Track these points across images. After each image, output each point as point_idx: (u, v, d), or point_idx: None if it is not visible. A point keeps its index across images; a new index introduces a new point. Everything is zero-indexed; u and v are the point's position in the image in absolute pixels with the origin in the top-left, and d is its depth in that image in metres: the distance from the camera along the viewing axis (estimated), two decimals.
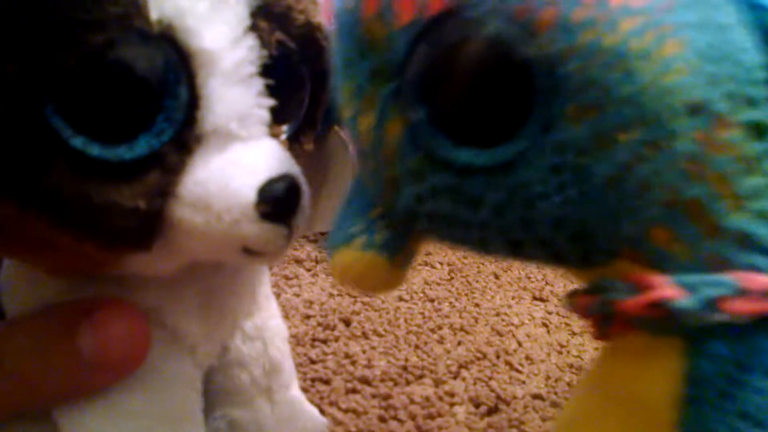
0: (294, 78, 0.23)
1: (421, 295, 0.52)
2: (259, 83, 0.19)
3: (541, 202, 0.15)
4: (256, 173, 0.19)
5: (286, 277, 0.53)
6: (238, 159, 0.19)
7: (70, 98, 0.16)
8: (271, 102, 0.20)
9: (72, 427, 0.24)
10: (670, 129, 0.14)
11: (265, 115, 0.20)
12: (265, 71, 0.20)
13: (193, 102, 0.18)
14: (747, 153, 0.15)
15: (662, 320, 0.15)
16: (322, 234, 0.63)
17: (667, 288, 0.15)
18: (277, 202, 0.19)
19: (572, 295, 0.18)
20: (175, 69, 0.18)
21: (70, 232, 0.18)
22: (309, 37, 0.22)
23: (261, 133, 0.20)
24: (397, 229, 0.19)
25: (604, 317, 0.16)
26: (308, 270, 0.55)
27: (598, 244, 0.16)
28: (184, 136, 0.18)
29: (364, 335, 0.44)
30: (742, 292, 0.14)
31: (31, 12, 0.16)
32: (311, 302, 0.49)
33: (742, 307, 0.14)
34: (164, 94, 0.18)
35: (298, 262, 0.56)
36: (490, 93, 0.15)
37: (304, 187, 0.20)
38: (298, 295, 0.50)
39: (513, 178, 0.16)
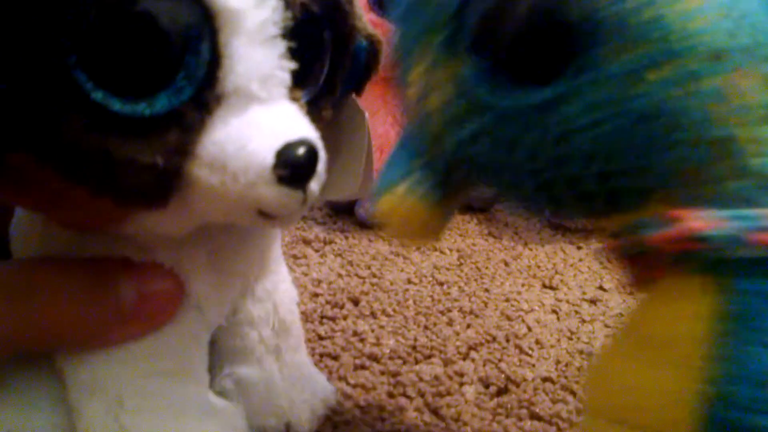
0: (316, 42, 0.22)
1: (431, 278, 0.51)
2: (282, 45, 0.19)
3: (575, 137, 0.17)
4: (275, 136, 0.19)
5: (295, 257, 0.53)
6: (258, 121, 0.19)
7: (92, 51, 0.16)
8: (293, 65, 0.20)
9: (74, 370, 0.24)
10: (694, 70, 0.16)
11: (287, 78, 0.20)
12: (288, 34, 0.19)
13: (214, 61, 0.18)
14: (766, 102, 0.16)
15: (693, 254, 0.16)
16: (331, 215, 0.63)
17: (698, 220, 0.16)
18: (295, 166, 0.19)
19: (608, 239, 0.19)
20: (198, 26, 0.18)
21: (87, 187, 0.18)
22: (333, 2, 0.22)
23: (281, 95, 0.20)
24: (439, 177, 0.20)
25: (638, 260, 0.17)
26: (316, 251, 0.55)
27: (624, 183, 0.17)
28: (205, 95, 0.18)
29: (373, 315, 0.44)
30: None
31: None
32: (320, 281, 0.48)
33: None
34: (186, 51, 0.17)
35: (306, 242, 0.56)
36: (535, 39, 0.17)
37: (322, 153, 0.20)
38: (306, 274, 0.49)
39: (550, 117, 0.17)
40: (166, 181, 0.18)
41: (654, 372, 0.16)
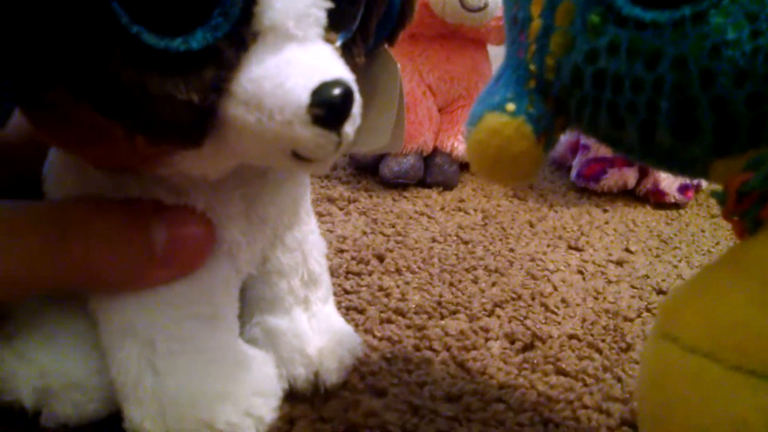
0: None
1: (455, 237, 0.51)
2: None
3: (729, 50, 0.16)
4: (311, 75, 0.18)
5: (320, 214, 0.53)
6: (294, 59, 0.19)
7: None
8: (329, 4, 0.19)
9: (108, 314, 0.24)
10: None
11: (322, 17, 0.20)
12: None
13: None
14: None
15: None
16: (355, 175, 0.63)
17: None
18: (330, 106, 0.19)
19: (728, 180, 0.18)
20: None
21: (123, 123, 0.18)
22: None
23: (317, 35, 0.20)
24: (551, 104, 0.20)
25: (761, 196, 0.17)
26: (341, 209, 0.55)
27: None
28: (241, 32, 0.18)
29: (398, 271, 0.44)
30: None
31: None
32: (344, 238, 0.48)
33: None
34: None
35: (331, 200, 0.56)
36: None
37: (357, 95, 0.20)
38: (331, 231, 0.49)
39: (702, 27, 0.16)
40: (201, 119, 0.19)
41: (762, 309, 0.16)
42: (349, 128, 0.20)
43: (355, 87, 0.20)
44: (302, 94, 0.18)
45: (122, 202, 0.23)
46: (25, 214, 0.22)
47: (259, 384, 0.26)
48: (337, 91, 0.19)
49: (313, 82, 0.18)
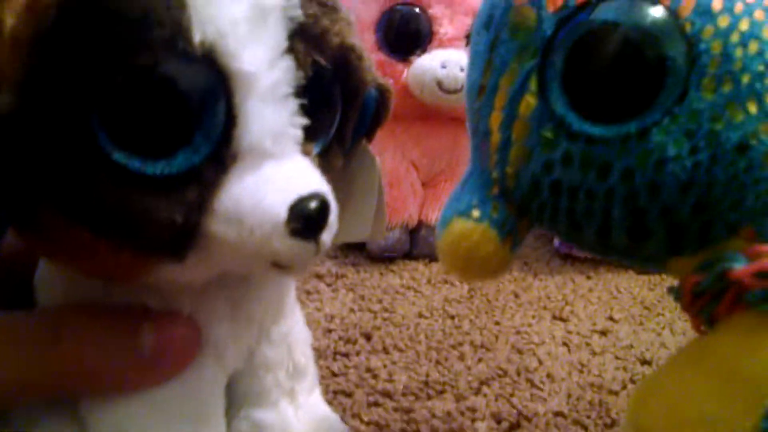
0: (327, 97, 0.23)
1: (442, 312, 0.52)
2: (294, 103, 0.20)
3: (671, 165, 0.17)
4: (288, 191, 0.19)
5: (308, 292, 0.53)
6: (272, 177, 0.20)
7: (114, 114, 0.17)
8: (304, 121, 0.21)
9: (96, 415, 0.24)
10: None
11: (299, 134, 0.21)
12: (300, 91, 0.20)
13: (230, 121, 0.19)
14: None
15: None
16: (343, 249, 0.64)
17: None
18: (307, 219, 0.19)
19: (682, 279, 0.19)
20: (214, 89, 0.18)
21: (110, 241, 0.19)
22: (343, 58, 0.23)
23: (294, 151, 0.21)
24: (513, 209, 0.21)
25: (713, 296, 0.18)
26: (329, 285, 0.56)
27: (720, 215, 0.18)
28: (221, 154, 0.19)
29: (385, 350, 0.44)
30: None
31: (85, 33, 0.17)
32: (332, 316, 0.49)
33: None
34: (203, 113, 0.18)
35: (319, 277, 0.57)
36: (626, 72, 0.18)
37: (333, 205, 0.21)
38: (319, 310, 0.50)
39: (646, 143, 0.17)
40: (185, 236, 0.19)
41: (721, 404, 0.17)
42: (326, 236, 0.21)
43: (331, 197, 0.21)
44: (280, 210, 0.19)
45: (110, 309, 0.24)
46: (19, 323, 0.22)
47: None
48: (313, 205, 0.19)
49: (291, 197, 0.19)
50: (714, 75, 0.17)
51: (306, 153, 0.21)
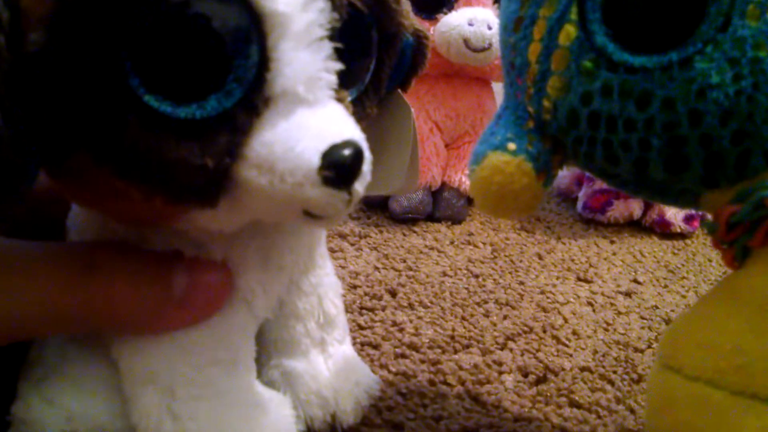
0: (362, 42, 0.23)
1: (465, 271, 0.52)
2: (328, 47, 0.20)
3: (714, 93, 0.17)
4: (321, 138, 0.19)
5: (332, 250, 0.54)
6: (304, 123, 0.19)
7: (146, 56, 0.17)
8: (339, 66, 0.20)
9: (128, 361, 0.25)
10: None
11: (333, 79, 0.20)
12: (335, 34, 0.20)
13: (263, 64, 0.18)
14: None
15: None
16: (365, 210, 0.64)
17: None
18: (340, 167, 0.19)
19: (718, 211, 0.19)
20: (247, 30, 0.18)
21: (141, 186, 0.19)
22: (380, 2, 0.22)
23: (327, 97, 0.20)
24: (548, 142, 0.21)
25: (748, 227, 0.18)
26: (352, 244, 0.56)
27: (759, 143, 0.18)
28: (254, 98, 0.19)
29: (410, 306, 0.45)
30: None
31: None
32: (357, 273, 0.49)
33: None
34: (235, 55, 0.18)
35: (342, 236, 0.57)
36: (668, 1, 0.18)
37: (367, 153, 0.21)
38: (343, 267, 0.50)
39: (688, 72, 0.18)
40: (216, 182, 0.19)
41: (756, 337, 0.17)
42: (359, 186, 0.20)
43: (364, 145, 0.20)
44: (312, 157, 0.19)
45: (141, 249, 0.24)
46: (53, 252, 0.23)
47: (277, 426, 0.26)
48: (346, 152, 0.19)
49: (323, 144, 0.19)
50: (759, 2, 0.17)
51: (340, 99, 0.21)
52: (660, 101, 0.18)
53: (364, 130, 0.22)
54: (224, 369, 0.26)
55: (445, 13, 0.58)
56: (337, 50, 0.20)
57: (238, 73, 0.18)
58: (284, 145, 0.19)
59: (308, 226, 0.29)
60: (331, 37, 0.20)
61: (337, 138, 0.19)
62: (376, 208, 0.64)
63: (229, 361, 0.26)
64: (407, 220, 0.62)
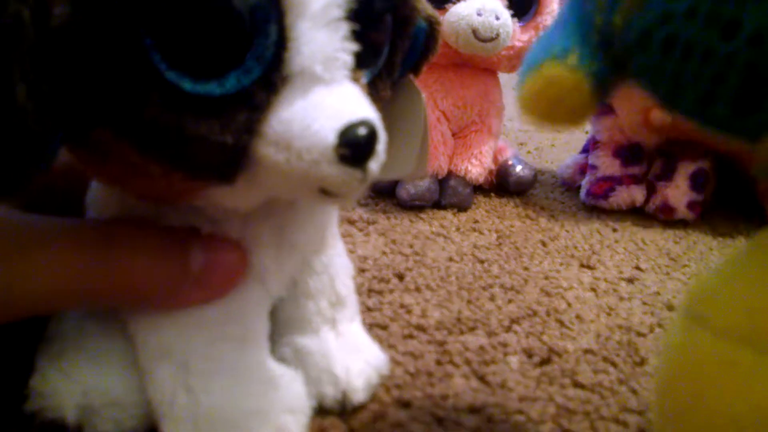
0: (378, 24, 0.23)
1: (471, 257, 0.53)
2: (345, 27, 0.20)
3: None
4: (337, 117, 0.20)
5: (341, 235, 0.54)
6: (321, 101, 0.20)
7: (166, 33, 0.17)
8: (355, 47, 0.21)
9: (144, 335, 0.26)
10: None
11: (349, 60, 0.21)
12: (352, 16, 0.20)
13: (281, 42, 0.19)
14: None
15: None
16: (372, 197, 0.65)
17: None
18: (356, 146, 0.20)
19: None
20: (266, 8, 0.18)
21: (161, 162, 0.19)
22: None
23: (344, 76, 0.21)
24: (611, 60, 0.19)
25: None
26: (360, 230, 0.57)
27: None
28: (272, 76, 0.19)
29: (417, 289, 0.46)
30: None
31: None
32: (365, 257, 0.50)
33: None
34: (255, 33, 0.18)
35: (351, 222, 0.58)
36: None
37: (382, 133, 0.21)
38: (352, 251, 0.51)
39: None
40: (234, 158, 0.20)
41: None
42: (374, 165, 0.21)
43: (379, 125, 0.21)
44: (329, 135, 0.19)
45: (159, 226, 0.25)
46: (73, 227, 0.23)
47: (289, 402, 0.27)
48: (362, 131, 0.20)
49: (340, 123, 0.19)
50: None
51: (356, 80, 0.21)
52: (748, 34, 0.16)
53: (377, 113, 0.22)
54: (238, 345, 0.27)
55: (454, 3, 0.58)
56: (353, 32, 0.20)
57: (257, 51, 0.19)
58: (301, 123, 0.19)
59: (323, 204, 0.30)
60: (348, 18, 0.20)
61: (353, 117, 0.20)
62: (384, 195, 0.65)
63: (243, 336, 0.27)
64: (414, 207, 0.63)
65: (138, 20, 0.17)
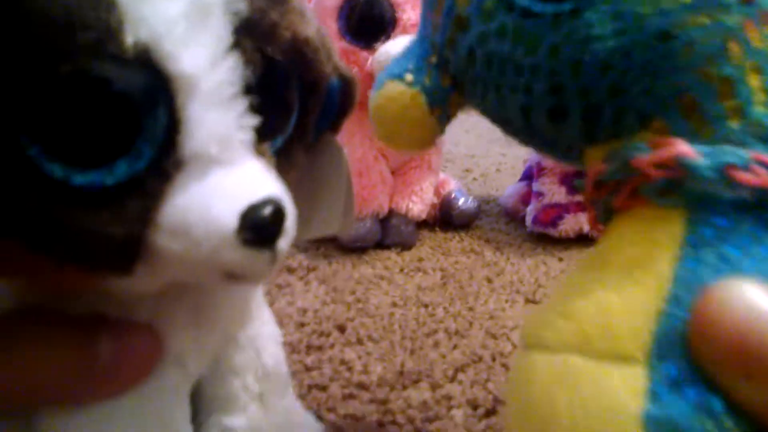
0: (281, 93, 0.22)
1: (415, 300, 0.52)
2: (242, 103, 0.19)
3: (595, 44, 0.18)
4: (238, 198, 0.18)
5: (279, 286, 0.53)
6: (219, 184, 0.19)
7: (45, 126, 0.16)
8: (254, 121, 0.20)
9: (51, 428, 0.23)
10: (723, 2, 0.17)
11: (248, 137, 0.20)
12: (250, 89, 0.19)
13: (172, 126, 0.18)
14: None
15: (673, 183, 0.17)
16: (314, 241, 0.63)
17: (685, 147, 0.17)
18: (260, 227, 0.18)
19: (587, 169, 0.20)
20: (152, 93, 0.17)
21: (51, 258, 0.18)
22: (297, 51, 0.22)
23: (244, 154, 0.20)
24: (447, 80, 0.22)
25: (613, 187, 0.19)
26: (300, 278, 0.55)
27: (632, 101, 0.18)
28: (164, 162, 0.18)
29: (359, 341, 0.44)
30: (752, 164, 0.16)
31: (3, 42, 0.16)
32: (305, 310, 0.48)
33: (749, 178, 0.16)
34: (142, 118, 0.17)
35: (290, 270, 0.56)
36: None
37: (289, 210, 0.20)
38: (291, 304, 0.50)
39: (576, 21, 0.18)
40: (129, 250, 0.18)
41: (620, 296, 0.17)
42: (283, 243, 0.20)
43: (286, 201, 0.20)
44: (229, 220, 0.18)
45: (66, 316, 0.23)
46: None
47: None
48: (266, 211, 0.19)
49: (241, 205, 0.18)
50: None
51: (260, 153, 0.20)
52: (547, 48, 0.19)
53: (295, 177, 0.21)
54: None
55: (383, 42, 0.58)
56: (252, 104, 0.19)
57: (147, 136, 0.17)
58: (198, 209, 0.18)
59: (232, 286, 0.28)
60: (246, 92, 0.19)
61: (255, 197, 0.19)
62: (325, 239, 0.64)
63: (162, 425, 0.25)
64: (357, 248, 0.62)
65: (9, 117, 0.16)
